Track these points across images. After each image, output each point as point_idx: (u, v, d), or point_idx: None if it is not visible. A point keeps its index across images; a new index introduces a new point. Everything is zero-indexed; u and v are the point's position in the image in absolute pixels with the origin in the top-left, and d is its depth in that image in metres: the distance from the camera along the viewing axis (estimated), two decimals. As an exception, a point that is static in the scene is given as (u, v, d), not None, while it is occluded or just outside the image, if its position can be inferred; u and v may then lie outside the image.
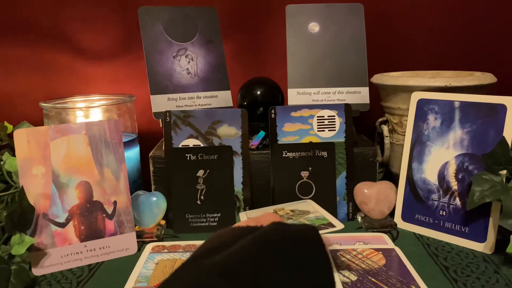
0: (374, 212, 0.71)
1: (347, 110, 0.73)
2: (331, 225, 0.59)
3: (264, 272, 0.35)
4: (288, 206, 0.67)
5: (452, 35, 0.96)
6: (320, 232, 0.56)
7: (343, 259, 0.59)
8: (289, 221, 0.61)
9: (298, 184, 0.72)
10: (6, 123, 0.77)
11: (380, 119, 0.81)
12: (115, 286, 0.55)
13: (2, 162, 0.67)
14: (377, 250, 0.62)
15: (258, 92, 0.84)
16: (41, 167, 0.60)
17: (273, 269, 0.35)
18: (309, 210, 0.65)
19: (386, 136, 0.79)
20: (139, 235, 0.67)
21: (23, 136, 0.60)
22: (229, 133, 0.73)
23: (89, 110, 0.78)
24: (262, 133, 0.77)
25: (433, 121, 0.68)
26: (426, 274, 0.55)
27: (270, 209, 0.67)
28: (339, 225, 0.58)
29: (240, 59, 0.97)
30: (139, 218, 0.68)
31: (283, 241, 0.39)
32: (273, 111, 0.73)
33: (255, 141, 0.75)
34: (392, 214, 0.72)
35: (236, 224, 0.46)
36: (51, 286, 0.56)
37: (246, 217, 0.65)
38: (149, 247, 0.65)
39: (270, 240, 0.39)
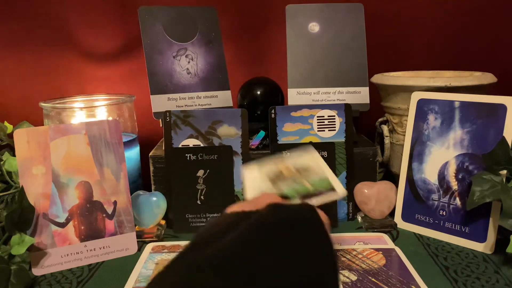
0: (374, 212, 0.71)
1: (347, 110, 0.73)
2: (332, 190, 0.56)
3: (259, 263, 0.33)
4: (291, 162, 0.63)
5: (452, 35, 0.96)
6: (320, 198, 0.54)
7: (343, 259, 0.59)
8: (294, 185, 0.57)
9: (298, 184, 0.72)
10: (6, 123, 0.77)
11: (380, 119, 0.81)
12: (115, 286, 0.55)
13: (2, 162, 0.67)
14: (377, 250, 0.62)
15: (258, 92, 0.84)
16: (41, 167, 0.60)
17: (269, 259, 0.33)
18: (312, 165, 0.61)
19: (386, 136, 0.79)
20: (139, 235, 0.67)
21: (23, 136, 0.60)
22: (229, 133, 0.73)
23: (89, 110, 0.78)
24: (262, 133, 0.77)
25: (433, 121, 0.68)
26: (426, 274, 0.55)
27: (274, 167, 0.62)
28: (341, 192, 0.56)
29: (240, 59, 0.97)
30: (139, 218, 0.68)
31: (278, 227, 0.37)
32: (273, 111, 0.73)
33: (255, 141, 0.75)
34: (392, 214, 0.72)
35: (231, 209, 0.43)
36: (51, 286, 0.56)
37: (249, 172, 0.61)
38: (149, 247, 0.65)
39: (264, 227, 0.37)
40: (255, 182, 0.59)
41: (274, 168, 0.62)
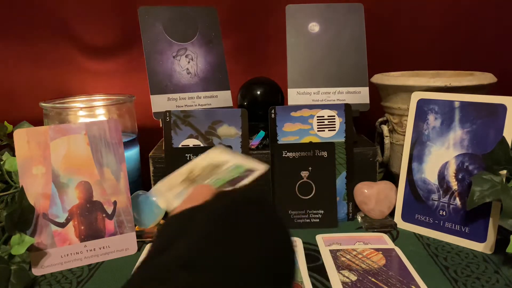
0: (374, 212, 0.71)
1: (347, 110, 0.73)
2: (252, 170, 0.53)
3: (226, 252, 0.33)
4: (198, 163, 0.59)
5: (452, 35, 0.96)
6: (244, 182, 0.51)
7: (343, 259, 0.59)
8: (213, 178, 0.54)
9: (298, 184, 0.72)
10: (6, 123, 0.77)
11: (380, 119, 0.81)
12: (115, 286, 0.55)
13: (2, 162, 0.67)
14: (377, 250, 0.62)
15: (258, 92, 0.84)
16: (41, 167, 0.60)
17: (235, 245, 0.33)
18: (222, 161, 0.58)
19: (386, 136, 0.79)
20: (139, 235, 0.67)
21: (23, 136, 0.60)
22: (229, 133, 0.72)
23: (89, 110, 0.78)
24: (262, 133, 0.77)
25: (433, 121, 0.68)
26: (426, 274, 0.55)
27: (184, 169, 0.58)
28: (261, 167, 0.52)
29: (240, 59, 0.97)
30: (139, 218, 0.68)
31: (233, 212, 0.37)
32: (273, 111, 0.73)
33: (255, 141, 0.75)
34: (392, 214, 0.72)
35: (176, 211, 0.42)
36: (51, 286, 0.56)
37: (163, 187, 0.56)
38: (149, 247, 0.65)
39: (221, 215, 0.37)
40: (172, 190, 0.55)
41: (183, 172, 0.57)
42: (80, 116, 0.77)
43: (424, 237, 0.67)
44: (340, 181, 0.73)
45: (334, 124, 0.73)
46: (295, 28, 0.81)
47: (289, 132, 0.73)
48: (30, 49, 0.94)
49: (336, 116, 0.73)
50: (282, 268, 0.35)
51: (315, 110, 0.73)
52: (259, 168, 0.53)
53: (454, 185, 0.65)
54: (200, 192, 0.44)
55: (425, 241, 0.65)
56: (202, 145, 0.72)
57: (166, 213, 0.71)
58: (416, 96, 0.70)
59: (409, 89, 0.71)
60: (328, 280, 0.55)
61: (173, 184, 0.50)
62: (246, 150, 0.72)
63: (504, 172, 0.60)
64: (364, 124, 0.87)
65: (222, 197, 0.41)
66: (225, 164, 0.57)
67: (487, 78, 0.71)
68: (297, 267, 0.38)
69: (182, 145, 0.72)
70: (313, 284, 0.54)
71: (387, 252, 0.61)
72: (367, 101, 0.80)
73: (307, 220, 0.71)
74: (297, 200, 0.71)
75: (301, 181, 0.72)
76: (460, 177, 0.65)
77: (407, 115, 0.72)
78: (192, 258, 0.32)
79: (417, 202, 0.69)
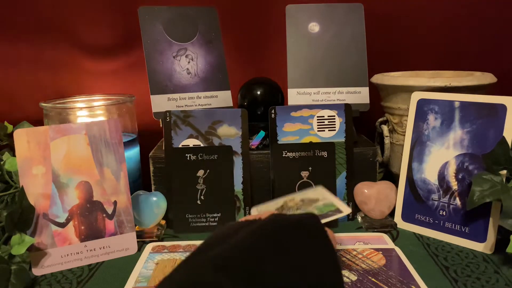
0: (374, 212, 0.71)
1: (347, 110, 0.73)
2: (338, 211, 0.59)
3: (260, 263, 0.34)
4: (298, 196, 0.66)
5: (452, 35, 0.96)
6: (327, 219, 0.56)
7: (343, 259, 0.59)
8: (298, 211, 0.61)
9: (298, 184, 0.72)
10: (6, 123, 0.77)
11: (380, 119, 0.81)
12: (115, 286, 0.55)
13: (2, 162, 0.67)
14: (377, 250, 0.62)
15: (258, 92, 0.84)
16: (41, 167, 0.60)
17: (270, 259, 0.34)
18: (318, 197, 0.64)
19: (386, 136, 0.79)
20: (139, 235, 0.67)
21: (23, 136, 0.60)
22: (229, 133, 0.73)
23: (89, 110, 0.78)
24: (262, 133, 0.77)
25: (433, 121, 0.68)
26: (426, 274, 0.55)
27: (281, 200, 0.66)
28: (346, 210, 0.60)
29: (240, 59, 0.97)
30: (139, 218, 0.68)
31: (280, 230, 0.38)
32: (273, 111, 0.73)
33: (255, 141, 0.75)
34: (392, 214, 0.72)
35: (237, 221, 0.45)
36: (51, 286, 0.56)
37: (257, 212, 0.65)
38: (149, 247, 0.65)
39: (267, 230, 0.38)
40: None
41: (279, 202, 0.65)
42: (80, 116, 0.77)
43: (424, 237, 0.67)
44: (340, 181, 0.73)
45: (334, 124, 0.73)
46: (295, 28, 0.81)
47: (289, 132, 0.73)
48: (30, 49, 0.94)
49: (336, 116, 0.73)
50: None
51: (315, 110, 0.73)
52: (344, 210, 0.60)
53: (454, 185, 0.65)
54: (267, 213, 0.46)
55: (425, 241, 0.65)
56: (202, 145, 0.72)
57: (167, 213, 0.71)
58: (416, 96, 0.70)
59: (409, 89, 0.71)
60: (328, 280, 0.55)
61: (267, 212, 0.52)
62: (246, 150, 0.72)
63: (504, 172, 0.60)
64: (364, 124, 0.87)
65: (275, 217, 0.42)
66: (321, 200, 0.63)
67: (487, 78, 0.71)
68: None
69: (182, 145, 0.72)
70: (313, 284, 0.54)
71: (387, 252, 0.61)
72: (367, 101, 0.80)
73: (307, 220, 0.71)
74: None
75: (301, 181, 0.72)
76: (460, 177, 0.65)
77: (407, 115, 0.72)
78: (227, 261, 0.34)
79: (417, 202, 0.69)
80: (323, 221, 0.55)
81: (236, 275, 0.32)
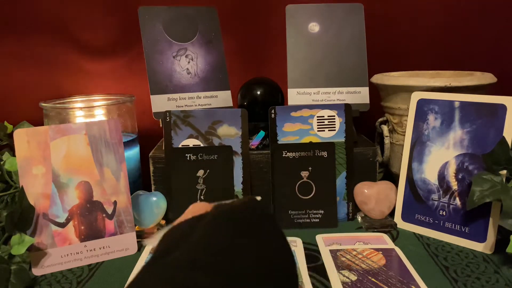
0: (374, 212, 0.71)
1: (347, 110, 0.73)
2: None
3: (232, 253, 0.34)
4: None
5: (452, 35, 0.96)
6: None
7: (343, 259, 0.59)
8: None
9: (298, 184, 0.72)
10: (6, 123, 0.77)
11: (380, 119, 0.81)
12: (115, 286, 0.55)
13: (2, 162, 0.67)
14: (377, 250, 0.62)
15: (258, 92, 0.84)
16: (41, 167, 0.60)
17: (239, 248, 0.34)
18: None
19: (386, 136, 0.79)
20: (139, 235, 0.67)
21: (23, 136, 0.60)
22: (229, 133, 0.73)
23: (89, 110, 0.78)
24: (262, 133, 0.77)
25: (433, 121, 0.68)
26: (426, 274, 0.55)
27: None
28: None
29: (240, 59, 0.97)
30: (139, 218, 0.68)
31: (237, 218, 0.39)
32: (273, 111, 0.73)
33: (255, 141, 0.75)
34: (392, 214, 0.72)
35: (176, 222, 0.43)
36: (51, 286, 0.56)
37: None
38: (149, 247, 0.65)
39: (225, 219, 0.38)
40: None
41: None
42: (80, 116, 0.77)
43: (424, 237, 0.67)
44: (340, 181, 0.73)
45: (334, 124, 0.73)
46: (295, 28, 0.81)
47: (289, 132, 0.73)
48: (30, 49, 0.94)
49: (336, 116, 0.73)
50: (282, 277, 0.36)
51: (315, 110, 0.73)
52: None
53: (454, 185, 0.65)
54: (199, 207, 0.45)
55: (425, 241, 0.65)
56: (202, 145, 0.72)
57: (167, 213, 0.71)
58: (416, 96, 0.70)
59: (409, 89, 0.71)
60: (328, 280, 0.55)
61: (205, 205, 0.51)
62: (246, 150, 0.72)
63: (504, 172, 0.60)
64: (364, 124, 0.87)
65: (222, 207, 0.42)
66: None
67: (487, 78, 0.71)
68: (297, 278, 0.39)
69: (182, 145, 0.72)
70: (313, 284, 0.54)
71: (387, 252, 0.61)
72: (367, 101, 0.80)
73: (307, 220, 0.71)
74: (297, 200, 0.71)
75: (301, 181, 0.72)
76: (460, 177, 0.65)
77: (407, 115, 0.72)
78: (200, 258, 0.33)
79: (417, 202, 0.69)
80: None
81: (214, 269, 0.31)
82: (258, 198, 0.57)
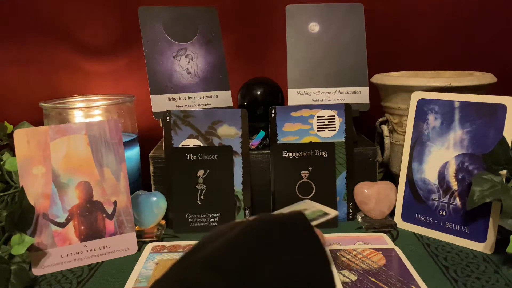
0: (374, 212, 0.71)
1: (347, 110, 0.73)
2: (325, 214, 0.60)
3: (250, 261, 0.35)
4: (286, 209, 0.67)
5: (452, 35, 0.96)
6: (315, 221, 0.57)
7: (343, 259, 0.59)
8: None
9: (298, 184, 0.72)
10: (6, 123, 0.77)
11: (380, 119, 0.81)
12: (115, 286, 0.55)
13: (2, 162, 0.67)
14: (377, 250, 0.62)
15: (258, 92, 0.84)
16: (41, 167, 0.60)
17: (260, 257, 0.35)
18: (306, 207, 0.65)
19: (386, 136, 0.79)
20: (139, 235, 0.67)
21: (23, 136, 0.60)
22: (229, 133, 0.73)
23: (89, 110, 0.78)
24: (262, 133, 0.77)
25: (433, 121, 0.68)
26: (426, 274, 0.55)
27: None
28: (333, 212, 0.60)
29: (240, 59, 0.97)
30: (139, 218, 0.68)
31: (268, 228, 0.39)
32: (273, 111, 0.73)
33: (255, 141, 0.75)
34: (392, 214, 0.72)
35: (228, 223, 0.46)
36: (51, 286, 0.56)
37: None
38: (149, 247, 0.65)
39: (255, 228, 0.39)
40: None
41: None
42: (80, 116, 0.77)
43: (424, 237, 0.67)
44: (340, 181, 0.73)
45: (334, 124, 0.73)
46: (295, 28, 0.81)
47: (289, 132, 0.73)
48: (30, 49, 0.94)
49: (336, 116, 0.73)
50: None
51: (315, 110, 0.73)
52: (331, 212, 0.60)
53: (454, 185, 0.65)
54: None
55: (425, 241, 0.65)
56: (202, 145, 0.72)
57: (167, 213, 0.71)
58: (416, 96, 0.70)
59: (409, 89, 0.71)
60: (328, 280, 0.55)
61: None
62: (246, 150, 0.72)
63: (504, 172, 0.60)
64: (364, 124, 0.87)
65: (264, 216, 0.42)
66: (308, 209, 0.64)
67: (487, 78, 0.71)
68: None
69: (182, 145, 0.72)
70: (313, 284, 0.54)
71: (387, 252, 0.61)
72: (367, 101, 0.80)
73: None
74: (297, 200, 0.71)
75: (301, 181, 0.72)
76: (460, 177, 0.65)
77: (407, 115, 0.72)
78: (217, 260, 0.34)
79: (417, 202, 0.69)
80: (313, 223, 0.55)
81: (227, 273, 0.33)
82: (334, 213, 0.60)
